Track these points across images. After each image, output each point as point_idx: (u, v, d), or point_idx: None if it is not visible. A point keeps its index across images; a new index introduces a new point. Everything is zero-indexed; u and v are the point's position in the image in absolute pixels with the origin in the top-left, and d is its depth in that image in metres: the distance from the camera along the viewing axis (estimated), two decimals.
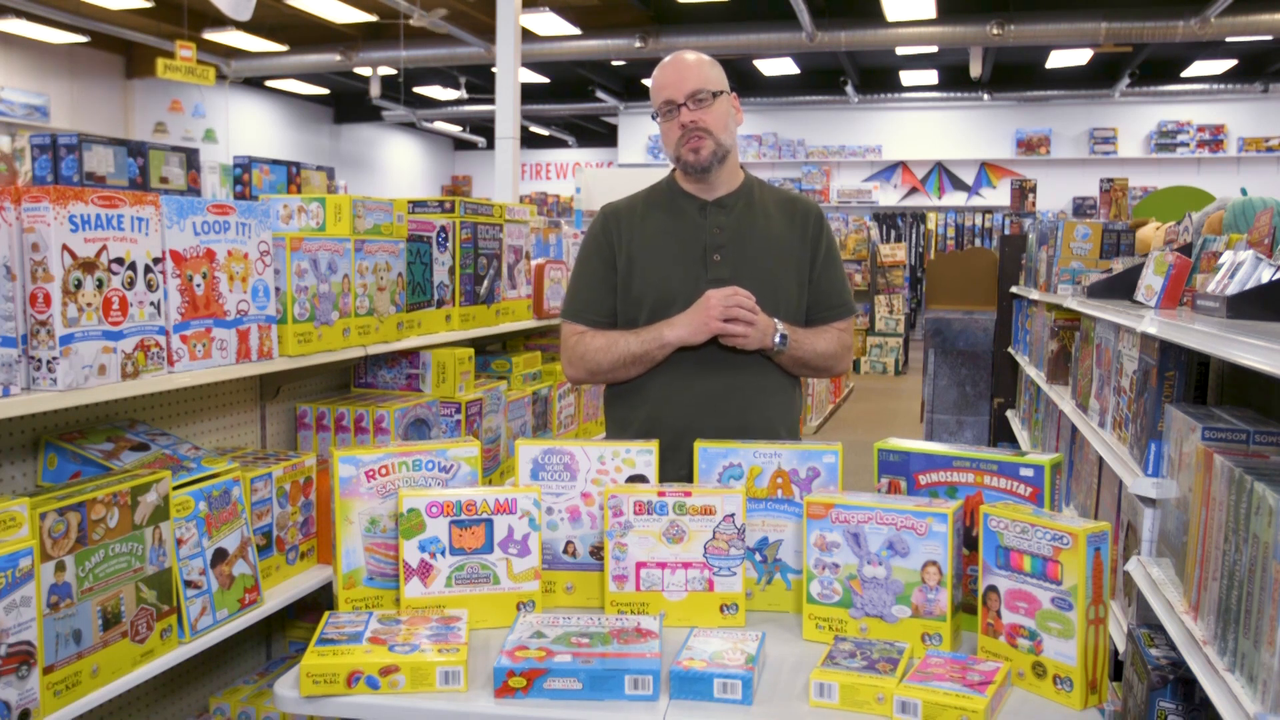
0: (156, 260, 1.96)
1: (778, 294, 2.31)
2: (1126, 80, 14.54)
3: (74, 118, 12.71)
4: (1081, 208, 15.77)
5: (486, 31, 11.21)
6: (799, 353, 2.30)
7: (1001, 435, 6.43)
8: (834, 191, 17.47)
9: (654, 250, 2.35)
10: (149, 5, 10.89)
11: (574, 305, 2.42)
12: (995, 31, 11.04)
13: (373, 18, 11.56)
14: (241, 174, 3.35)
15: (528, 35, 11.11)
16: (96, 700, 1.74)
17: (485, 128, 18.99)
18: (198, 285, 2.06)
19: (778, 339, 2.25)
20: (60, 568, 1.66)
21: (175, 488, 1.94)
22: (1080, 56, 13.41)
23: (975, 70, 13.25)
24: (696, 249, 2.33)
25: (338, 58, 12.80)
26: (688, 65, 2.30)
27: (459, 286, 3.10)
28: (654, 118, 2.36)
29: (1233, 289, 1.95)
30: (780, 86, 16.23)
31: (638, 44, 11.75)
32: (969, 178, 16.94)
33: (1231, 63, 14.37)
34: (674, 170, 2.44)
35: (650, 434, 2.17)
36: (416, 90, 16.11)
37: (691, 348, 2.28)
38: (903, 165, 17.23)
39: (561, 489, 2.00)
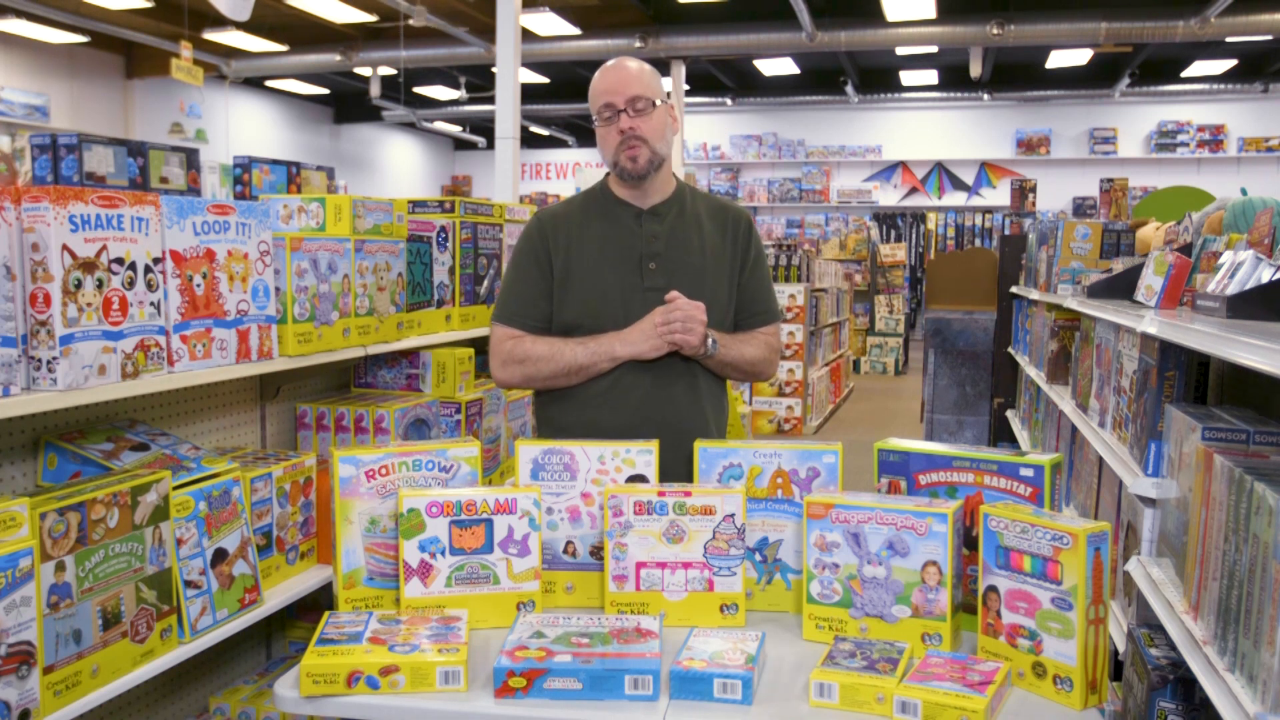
0: (156, 260, 1.96)
1: (710, 301, 2.32)
2: (1126, 80, 14.54)
3: (74, 118, 12.70)
4: (1081, 208, 15.77)
5: (486, 31, 11.20)
6: (727, 357, 2.35)
7: (1001, 435, 6.43)
8: (834, 191, 17.46)
9: (591, 257, 2.36)
10: (149, 5, 10.89)
11: (508, 309, 2.40)
12: (995, 31, 11.04)
13: (373, 18, 11.56)
14: (241, 174, 3.34)
15: (528, 35, 11.10)
16: (96, 700, 1.74)
17: (485, 128, 18.98)
18: (198, 285, 2.06)
19: (710, 344, 2.30)
20: (60, 568, 1.66)
21: (175, 488, 1.94)
22: (1080, 56, 13.40)
23: (975, 70, 13.24)
24: (632, 257, 2.35)
25: (338, 58, 12.79)
26: (630, 72, 2.31)
27: (459, 286, 3.10)
28: (592, 121, 2.36)
29: (1233, 289, 1.95)
30: (780, 86, 16.22)
31: (638, 44, 11.74)
32: (969, 178, 16.94)
33: (1231, 63, 14.36)
34: (607, 175, 2.45)
35: (587, 437, 2.17)
36: (416, 90, 16.10)
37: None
38: (903, 165, 17.23)
39: (561, 489, 2.00)
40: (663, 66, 12.15)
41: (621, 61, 2.35)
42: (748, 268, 2.43)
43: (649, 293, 2.31)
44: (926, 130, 16.82)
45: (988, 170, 16.83)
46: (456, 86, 15.85)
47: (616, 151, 2.31)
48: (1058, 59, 13.58)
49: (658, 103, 2.31)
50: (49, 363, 1.73)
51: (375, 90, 13.99)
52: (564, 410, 2.37)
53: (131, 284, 1.89)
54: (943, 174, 17.08)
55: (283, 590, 2.28)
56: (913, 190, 17.27)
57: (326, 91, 16.69)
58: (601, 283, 2.33)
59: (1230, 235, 2.46)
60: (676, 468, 2.15)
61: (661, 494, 1.88)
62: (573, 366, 2.30)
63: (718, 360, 2.34)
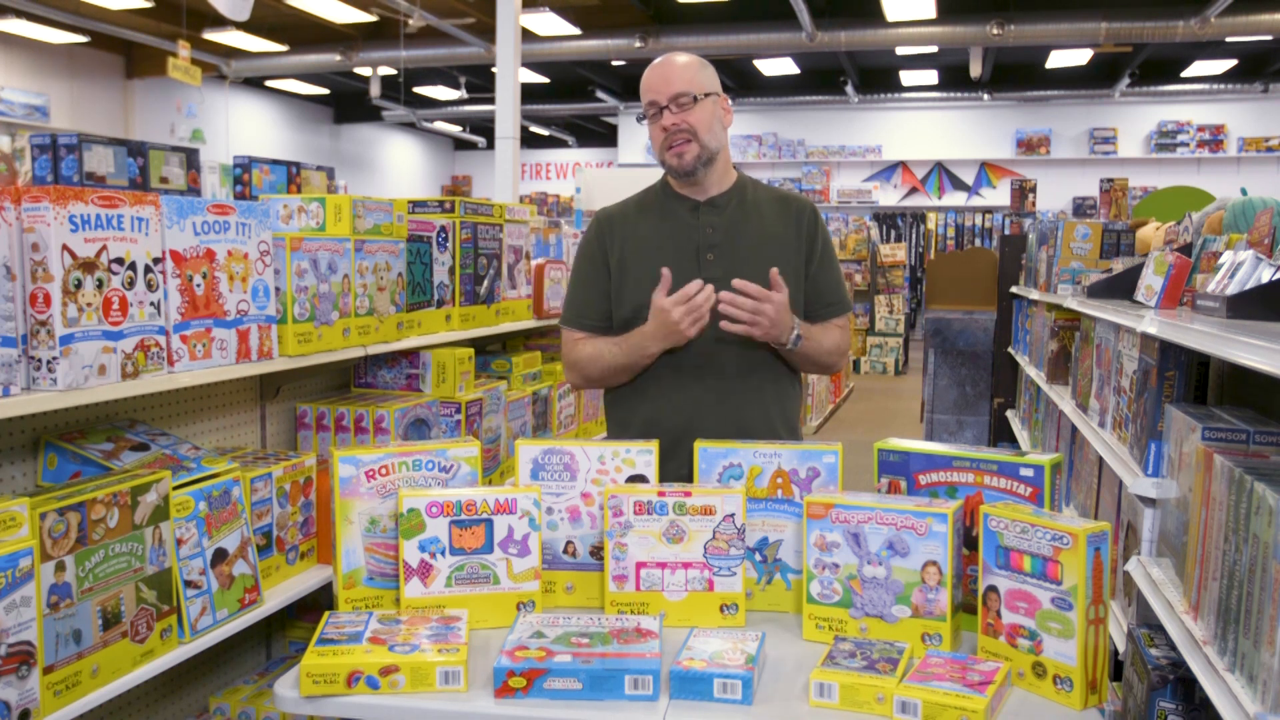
0: (156, 260, 1.96)
1: None
2: (1126, 80, 14.54)
3: (74, 118, 12.70)
4: (1081, 208, 15.77)
5: (486, 31, 11.20)
6: (809, 350, 2.31)
7: (1001, 435, 6.43)
8: (834, 191, 17.46)
9: (646, 252, 2.35)
10: (149, 5, 10.89)
11: (570, 311, 2.44)
12: (995, 31, 11.04)
13: (373, 18, 11.56)
14: (241, 174, 3.34)
15: (528, 35, 11.10)
16: (96, 700, 1.74)
17: (485, 128, 18.98)
18: (198, 285, 2.06)
19: (793, 337, 2.26)
20: (60, 568, 1.66)
21: (175, 488, 1.94)
22: (1080, 56, 13.40)
23: (975, 70, 13.24)
24: (689, 249, 2.34)
25: (338, 58, 12.79)
26: (674, 67, 2.30)
27: (459, 286, 3.10)
28: (640, 119, 2.36)
29: (1233, 289, 1.95)
30: (780, 86, 16.22)
31: (638, 44, 11.74)
32: (969, 178, 16.94)
33: (1231, 63, 14.36)
34: (666, 173, 2.44)
35: (649, 435, 2.17)
36: (416, 90, 16.10)
37: (689, 349, 2.27)
38: (903, 165, 17.22)
39: (561, 489, 2.00)
40: None
41: (669, 57, 2.33)
42: (815, 258, 2.39)
43: (706, 284, 2.28)
44: (926, 130, 16.81)
45: (988, 170, 16.83)
46: (456, 86, 15.85)
47: (663, 149, 2.31)
48: (1058, 59, 13.58)
49: (701, 97, 2.28)
50: (49, 363, 1.73)
51: (375, 90, 13.99)
52: (627, 410, 2.39)
53: (131, 284, 1.89)
54: (943, 174, 17.07)
55: (283, 590, 2.28)
56: (913, 190, 17.27)
57: (326, 91, 16.69)
58: (658, 277, 2.31)
59: (1230, 235, 2.46)
60: None
61: (661, 494, 1.88)
62: (614, 366, 2.32)
63: (800, 353, 2.30)
